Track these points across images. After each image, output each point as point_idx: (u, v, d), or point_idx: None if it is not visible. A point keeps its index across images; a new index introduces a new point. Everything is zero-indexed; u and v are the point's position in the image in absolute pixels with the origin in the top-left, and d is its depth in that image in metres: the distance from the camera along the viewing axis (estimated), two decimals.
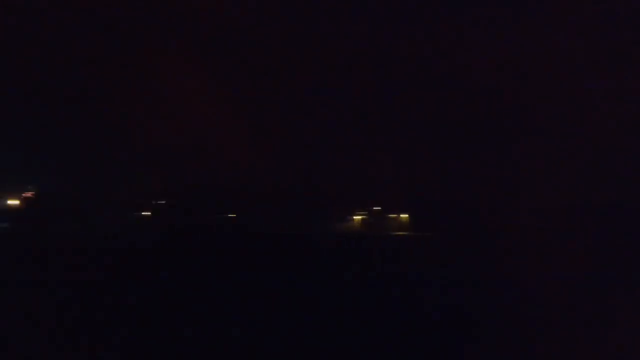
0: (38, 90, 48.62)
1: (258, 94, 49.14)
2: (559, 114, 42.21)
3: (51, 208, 49.25)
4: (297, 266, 34.32)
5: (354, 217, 52.32)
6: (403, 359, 16.62)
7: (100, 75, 48.24)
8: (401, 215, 52.46)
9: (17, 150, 48.02)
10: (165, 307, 22.75)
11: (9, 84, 46.30)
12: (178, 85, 47.54)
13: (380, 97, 50.25)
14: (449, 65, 44.81)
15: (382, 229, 51.23)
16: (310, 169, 49.11)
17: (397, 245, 49.65)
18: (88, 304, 22.65)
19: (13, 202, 51.01)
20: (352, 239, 50.09)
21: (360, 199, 51.55)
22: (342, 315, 21.20)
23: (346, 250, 44.70)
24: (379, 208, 52.52)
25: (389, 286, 27.71)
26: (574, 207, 41.33)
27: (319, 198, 49.28)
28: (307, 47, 46.38)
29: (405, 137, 52.54)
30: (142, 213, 49.41)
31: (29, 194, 51.24)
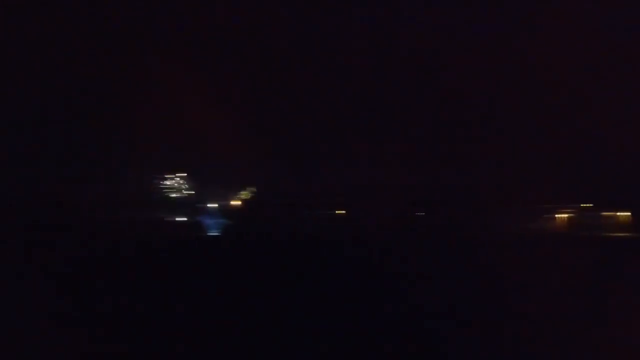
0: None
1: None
2: None
3: (264, 208, 53.06)
4: (478, 268, 32.63)
5: (558, 215, 46.86)
6: None
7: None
8: (619, 213, 45.64)
9: (238, 158, 52.57)
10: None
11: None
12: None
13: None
14: None
15: (593, 229, 45.02)
16: (507, 159, 45.74)
17: (615, 247, 43.77)
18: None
19: (235, 202, 56.10)
20: (555, 240, 45.25)
21: (567, 193, 46.16)
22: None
23: (547, 252, 40.67)
24: (590, 204, 46.33)
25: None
26: None
27: (514, 192, 45.52)
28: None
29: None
30: (337, 212, 50.62)
31: (247, 196, 55.91)
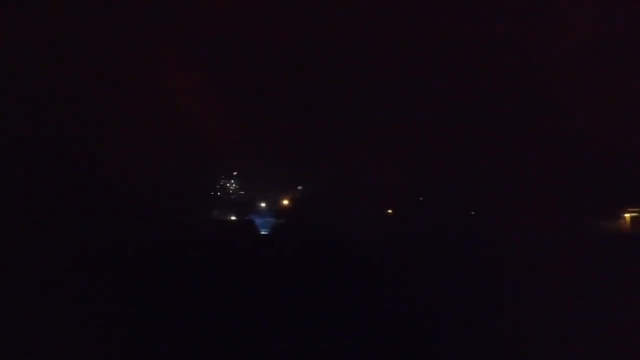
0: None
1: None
2: None
3: (313, 207, 52.05)
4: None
5: (625, 215, 43.42)
6: None
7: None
8: None
9: (288, 154, 51.84)
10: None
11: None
12: None
13: None
14: None
15: None
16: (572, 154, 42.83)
17: None
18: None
19: (284, 202, 55.55)
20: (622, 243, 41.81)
21: (633, 191, 42.73)
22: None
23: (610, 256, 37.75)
24: None
25: None
26: None
27: (576, 190, 42.34)
28: None
29: None
30: (388, 211, 49.23)
31: (296, 194, 55.14)
